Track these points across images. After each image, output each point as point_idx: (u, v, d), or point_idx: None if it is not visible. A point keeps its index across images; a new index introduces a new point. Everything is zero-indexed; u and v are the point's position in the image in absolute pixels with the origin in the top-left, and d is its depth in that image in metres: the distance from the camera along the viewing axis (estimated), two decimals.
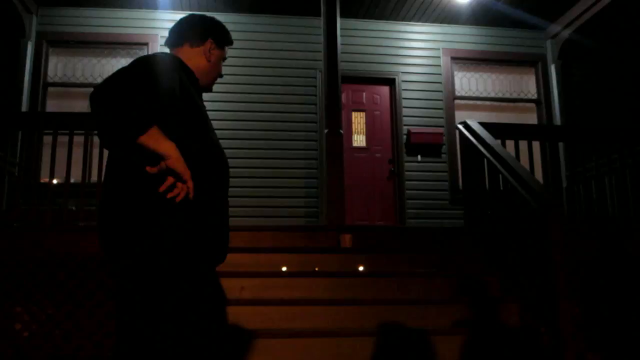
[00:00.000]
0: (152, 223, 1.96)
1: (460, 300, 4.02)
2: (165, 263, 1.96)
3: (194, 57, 2.32)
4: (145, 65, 2.04)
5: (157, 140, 1.92)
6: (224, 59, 2.44)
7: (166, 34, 2.42)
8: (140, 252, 1.96)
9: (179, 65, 2.21)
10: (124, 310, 2.00)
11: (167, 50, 2.38)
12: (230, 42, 2.45)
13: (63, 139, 4.92)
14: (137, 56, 6.88)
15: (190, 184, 1.97)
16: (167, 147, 1.93)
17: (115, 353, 2.01)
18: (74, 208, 5.09)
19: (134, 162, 1.98)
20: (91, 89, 5.94)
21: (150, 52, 7.22)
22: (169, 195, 1.95)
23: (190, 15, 2.43)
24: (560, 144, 7.35)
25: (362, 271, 4.35)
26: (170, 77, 2.07)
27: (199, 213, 2.03)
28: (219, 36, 2.39)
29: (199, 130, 2.16)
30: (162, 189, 1.94)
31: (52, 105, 7.28)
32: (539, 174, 6.18)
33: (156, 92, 1.96)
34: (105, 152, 4.76)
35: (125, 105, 1.88)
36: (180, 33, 2.37)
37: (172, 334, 1.96)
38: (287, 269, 4.29)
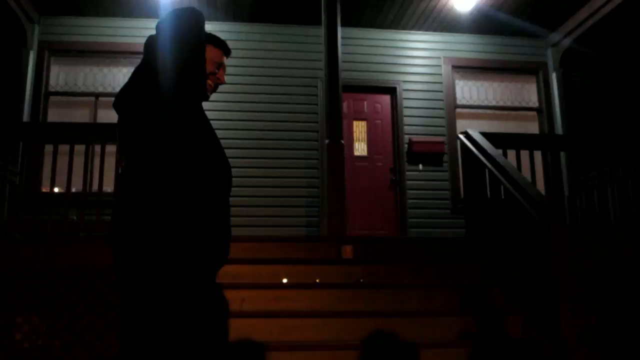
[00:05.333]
0: (162, 226, 1.99)
1: (462, 312, 4.01)
2: (172, 265, 1.99)
3: None
4: None
5: None
6: (217, 63, 2.38)
7: None
8: (147, 253, 1.98)
9: None
10: (128, 314, 2.03)
11: None
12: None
13: (64, 148, 4.92)
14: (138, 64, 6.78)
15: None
16: None
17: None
18: (75, 218, 5.09)
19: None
20: (92, 98, 5.98)
21: None
22: None
23: None
24: (562, 153, 7.33)
25: (363, 283, 4.33)
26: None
27: (207, 217, 2.08)
28: None
29: (208, 135, 2.21)
30: None
31: (54, 114, 7.28)
32: (540, 183, 6.14)
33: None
34: (106, 162, 4.78)
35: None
36: None
37: (176, 339, 1.97)
38: (288, 280, 4.28)
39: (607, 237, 4.97)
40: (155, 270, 1.98)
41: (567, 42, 7.81)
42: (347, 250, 4.75)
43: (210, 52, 2.34)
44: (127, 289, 2.05)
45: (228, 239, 2.22)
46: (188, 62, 2.06)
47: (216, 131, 2.33)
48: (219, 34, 2.46)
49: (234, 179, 2.33)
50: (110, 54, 7.51)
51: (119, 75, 7.43)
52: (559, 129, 7.87)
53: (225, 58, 2.43)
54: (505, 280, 4.25)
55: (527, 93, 8.20)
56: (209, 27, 2.25)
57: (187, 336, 2.00)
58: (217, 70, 2.38)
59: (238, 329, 3.53)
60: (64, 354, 4.19)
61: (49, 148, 5.09)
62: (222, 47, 2.42)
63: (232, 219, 2.25)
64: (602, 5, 7.01)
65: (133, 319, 2.02)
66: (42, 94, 7.25)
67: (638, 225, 5.12)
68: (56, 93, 7.38)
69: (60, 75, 7.46)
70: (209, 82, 2.36)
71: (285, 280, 4.27)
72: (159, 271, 1.98)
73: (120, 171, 2.16)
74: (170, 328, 1.98)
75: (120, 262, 2.07)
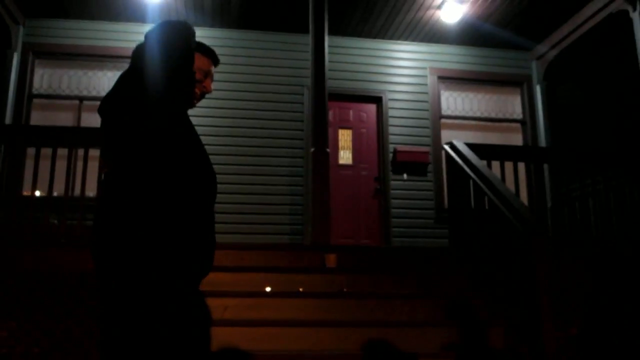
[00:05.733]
0: (147, 234, 1.97)
1: (445, 323, 4.00)
2: (156, 273, 1.97)
3: None
4: None
5: None
6: (206, 73, 2.40)
7: None
8: (132, 261, 1.96)
9: None
10: (109, 322, 2.00)
11: None
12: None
13: (46, 151, 4.86)
14: (124, 69, 6.82)
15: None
16: None
17: None
18: (55, 222, 5.03)
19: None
20: (76, 102, 5.98)
21: None
22: None
23: None
24: (545, 164, 7.39)
25: (347, 292, 4.31)
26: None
27: (192, 225, 2.06)
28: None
29: (194, 143, 2.19)
30: None
31: (37, 117, 7.20)
32: (524, 194, 6.19)
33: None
34: (89, 166, 4.73)
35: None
36: None
37: (159, 347, 1.95)
38: (271, 288, 4.25)
39: (588, 250, 5.01)
40: (139, 278, 1.96)
41: (551, 55, 7.90)
42: (331, 259, 4.73)
43: (198, 61, 2.31)
44: (108, 296, 2.03)
45: (212, 247, 2.21)
46: (176, 69, 2.04)
47: (201, 137, 2.31)
48: (205, 40, 2.45)
49: (218, 185, 2.32)
50: (95, 58, 7.44)
51: (103, 79, 7.37)
52: (542, 140, 7.94)
53: (213, 67, 2.42)
54: (489, 291, 4.26)
55: (512, 105, 8.26)
56: (196, 32, 2.24)
57: (170, 344, 1.97)
58: (204, 79, 2.36)
59: (220, 337, 3.50)
60: None
61: (31, 151, 5.03)
62: (211, 55, 2.41)
63: (216, 225, 2.24)
64: (584, 22, 7.11)
65: (114, 327, 1.99)
66: (26, 96, 7.17)
67: (619, 237, 5.17)
68: (40, 96, 7.30)
69: (44, 78, 7.38)
70: (196, 90, 2.34)
71: (268, 289, 4.24)
72: (143, 279, 1.96)
73: (102, 177, 2.12)
74: (152, 335, 1.95)
75: (102, 269, 2.04)
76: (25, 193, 5.94)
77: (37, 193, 4.93)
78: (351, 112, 7.88)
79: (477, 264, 4.55)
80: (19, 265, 4.33)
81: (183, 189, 2.05)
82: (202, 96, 2.39)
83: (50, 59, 7.43)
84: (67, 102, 7.29)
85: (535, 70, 8.21)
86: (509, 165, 5.21)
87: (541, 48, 8.04)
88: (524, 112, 8.19)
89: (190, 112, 2.31)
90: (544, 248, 3.66)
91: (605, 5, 6.71)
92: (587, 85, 7.76)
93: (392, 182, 7.58)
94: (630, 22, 6.37)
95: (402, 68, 8.02)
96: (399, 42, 8.06)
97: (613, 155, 5.61)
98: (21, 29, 7.28)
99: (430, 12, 7.32)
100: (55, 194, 4.94)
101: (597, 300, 4.84)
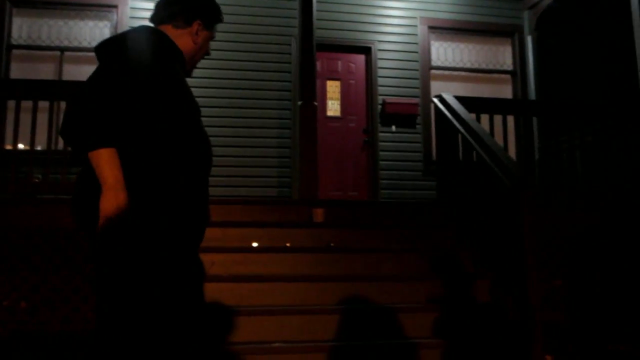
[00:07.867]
0: (136, 212, 1.92)
1: (431, 276, 4.04)
2: (148, 249, 1.95)
3: (179, 38, 2.21)
4: (123, 62, 1.96)
5: (102, 166, 1.85)
6: (212, 38, 2.33)
7: None
8: (122, 240, 1.92)
9: (168, 46, 2.14)
10: (103, 294, 1.98)
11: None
12: (220, 20, 2.34)
13: (27, 104, 4.76)
14: (106, 19, 6.63)
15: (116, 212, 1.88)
16: (107, 176, 1.85)
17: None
18: (39, 176, 4.97)
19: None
20: (57, 52, 5.83)
21: (119, 16, 6.98)
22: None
23: None
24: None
25: (334, 247, 4.32)
26: (154, 65, 2.02)
27: (184, 203, 2.04)
28: (208, 17, 2.28)
29: (188, 117, 2.13)
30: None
31: (17, 69, 7.01)
32: (512, 146, 6.17)
33: (127, 101, 1.90)
34: None
35: (85, 118, 1.84)
36: (165, 10, 2.24)
37: (154, 319, 1.97)
38: (258, 243, 4.25)
39: (574, 203, 5.04)
40: (133, 249, 1.94)
41: (543, 4, 7.75)
42: (319, 214, 4.73)
43: (207, 33, 2.29)
44: (102, 270, 1.99)
45: (205, 222, 2.21)
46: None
47: None
48: None
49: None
50: (76, 7, 7.18)
51: (85, 29, 7.15)
52: (532, 92, 7.88)
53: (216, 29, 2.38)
54: (475, 245, 4.29)
55: (502, 56, 8.16)
56: None
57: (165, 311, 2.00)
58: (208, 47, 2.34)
59: (208, 292, 3.51)
60: (29, 317, 4.13)
61: (11, 104, 4.91)
62: (220, 21, 2.36)
63: None
64: None
65: (113, 296, 1.96)
66: (4, 47, 6.95)
67: (604, 190, 5.20)
68: (19, 46, 7.08)
69: (23, 28, 7.13)
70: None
71: (255, 244, 4.24)
72: (137, 249, 1.95)
73: None
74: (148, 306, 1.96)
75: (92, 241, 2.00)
76: (7, 147, 5.85)
77: (20, 146, 4.85)
78: (339, 63, 7.75)
79: (464, 218, 4.56)
80: (4, 220, 4.28)
81: (178, 159, 2.02)
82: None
83: (28, 8, 7.17)
84: (48, 53, 7.09)
85: (526, 20, 8.08)
86: (498, 118, 5.18)
87: None
88: (514, 63, 8.10)
89: None
90: (530, 202, 3.66)
91: None
92: (578, 36, 7.64)
93: (381, 134, 7.53)
94: None
95: (392, 17, 7.85)
96: None
97: (602, 107, 5.57)
98: None
99: None
100: (38, 147, 4.86)
101: (582, 251, 4.90)
